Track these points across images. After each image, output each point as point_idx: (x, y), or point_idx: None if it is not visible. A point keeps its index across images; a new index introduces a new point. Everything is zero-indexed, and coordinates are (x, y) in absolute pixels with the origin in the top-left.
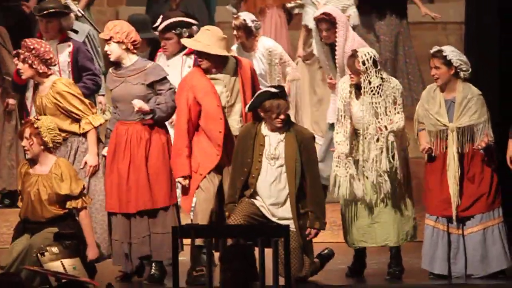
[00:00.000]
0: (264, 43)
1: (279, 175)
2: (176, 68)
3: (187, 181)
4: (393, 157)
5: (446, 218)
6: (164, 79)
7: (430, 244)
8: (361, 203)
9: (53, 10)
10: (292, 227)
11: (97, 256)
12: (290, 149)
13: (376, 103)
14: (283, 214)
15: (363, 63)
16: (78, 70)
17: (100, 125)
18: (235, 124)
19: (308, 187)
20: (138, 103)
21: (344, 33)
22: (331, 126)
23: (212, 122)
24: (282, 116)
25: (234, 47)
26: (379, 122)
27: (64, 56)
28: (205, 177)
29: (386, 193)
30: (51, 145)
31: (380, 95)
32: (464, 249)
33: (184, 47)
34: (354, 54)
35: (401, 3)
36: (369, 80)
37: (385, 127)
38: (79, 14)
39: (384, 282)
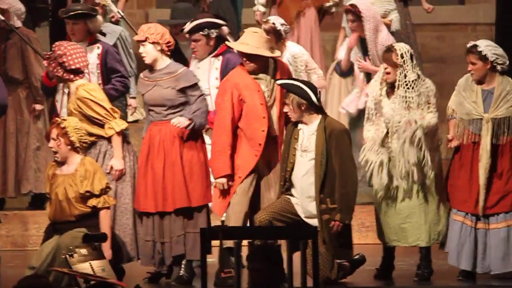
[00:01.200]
0: (290, 49)
1: (311, 168)
2: (205, 71)
3: (225, 180)
4: (420, 148)
5: (474, 214)
6: (195, 85)
7: (458, 240)
8: (392, 202)
9: (78, 12)
10: (316, 223)
11: (110, 258)
12: (318, 142)
13: (410, 97)
14: (313, 209)
15: (401, 56)
16: (107, 72)
17: (124, 129)
18: (272, 124)
19: (336, 180)
20: (176, 121)
21: (372, 27)
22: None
23: (255, 120)
24: (285, 109)
25: None
26: (410, 115)
27: (93, 58)
28: (243, 180)
29: (417, 185)
30: (78, 144)
31: (415, 91)
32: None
33: (214, 49)
34: (391, 48)
35: None
36: (405, 74)
37: (415, 121)
38: (119, 16)
39: (412, 284)
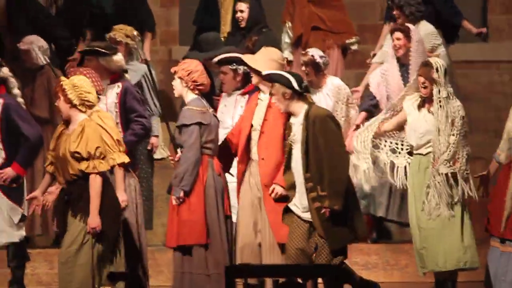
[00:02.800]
0: (333, 81)
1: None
2: (230, 107)
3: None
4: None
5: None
6: (182, 126)
7: (497, 267)
8: (420, 227)
9: (88, 49)
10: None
11: (96, 225)
12: (303, 130)
13: (439, 115)
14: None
15: (437, 70)
16: (126, 111)
17: (125, 163)
18: None
19: (324, 166)
20: None
21: (418, 48)
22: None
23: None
24: (272, 99)
25: None
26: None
27: (112, 97)
28: None
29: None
30: (76, 102)
31: (444, 109)
32: None
33: (242, 87)
34: (427, 63)
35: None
36: (438, 89)
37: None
38: (143, 58)
39: None
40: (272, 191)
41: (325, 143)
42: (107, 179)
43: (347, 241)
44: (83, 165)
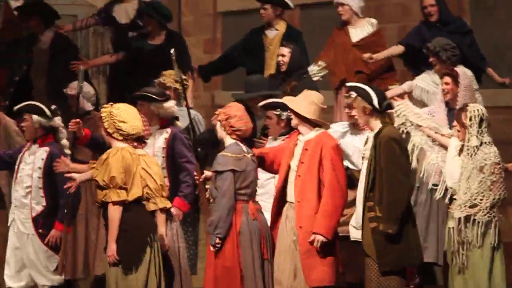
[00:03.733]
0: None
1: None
2: None
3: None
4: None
5: None
6: (216, 173)
7: None
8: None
9: (141, 94)
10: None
11: (111, 253)
12: (371, 149)
13: (465, 163)
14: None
15: (470, 119)
16: (174, 156)
17: (166, 208)
18: None
19: (384, 188)
20: None
21: (466, 94)
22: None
23: None
24: (352, 113)
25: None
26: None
27: (160, 141)
28: None
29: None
30: (110, 130)
31: (471, 158)
32: None
33: (287, 132)
34: (463, 108)
35: None
36: (469, 138)
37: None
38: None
39: None
40: (313, 240)
41: (386, 166)
42: (133, 209)
43: (399, 264)
44: (100, 194)
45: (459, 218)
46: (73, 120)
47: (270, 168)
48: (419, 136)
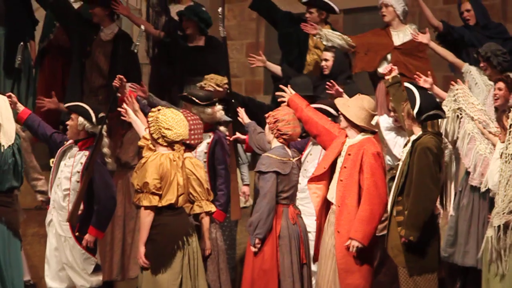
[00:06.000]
0: None
1: None
2: (316, 156)
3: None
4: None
5: None
6: (260, 173)
7: None
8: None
9: (185, 95)
10: None
11: (139, 256)
12: (407, 155)
13: (503, 170)
14: None
15: (510, 126)
16: (213, 161)
17: (211, 212)
18: None
19: (410, 196)
20: None
21: None
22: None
23: None
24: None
25: None
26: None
27: (202, 146)
28: None
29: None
30: (156, 136)
31: (508, 165)
32: None
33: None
34: (506, 111)
35: None
36: (507, 146)
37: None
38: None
39: None
40: (349, 246)
41: (416, 174)
42: (167, 214)
43: (417, 272)
44: (135, 197)
45: (498, 226)
46: (119, 76)
47: (315, 135)
48: (472, 124)
